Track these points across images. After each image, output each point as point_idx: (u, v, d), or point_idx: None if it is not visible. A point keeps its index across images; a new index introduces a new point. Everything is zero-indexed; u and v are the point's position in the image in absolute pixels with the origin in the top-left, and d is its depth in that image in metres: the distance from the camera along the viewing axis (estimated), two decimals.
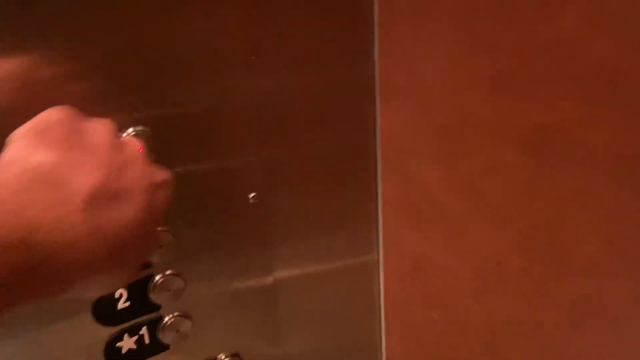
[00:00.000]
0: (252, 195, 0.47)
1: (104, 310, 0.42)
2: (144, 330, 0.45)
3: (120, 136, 0.35)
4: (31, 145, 0.29)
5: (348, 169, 0.52)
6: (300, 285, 0.54)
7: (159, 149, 0.39)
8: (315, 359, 0.59)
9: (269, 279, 0.52)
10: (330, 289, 0.57)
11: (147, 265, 0.43)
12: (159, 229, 0.40)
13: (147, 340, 0.45)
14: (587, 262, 0.35)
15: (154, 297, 0.44)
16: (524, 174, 0.37)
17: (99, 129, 0.32)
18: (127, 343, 0.44)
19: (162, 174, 0.34)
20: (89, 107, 0.35)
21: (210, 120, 0.43)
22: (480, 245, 0.42)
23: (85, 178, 0.29)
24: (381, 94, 0.46)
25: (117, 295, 0.42)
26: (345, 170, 0.52)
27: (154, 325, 0.45)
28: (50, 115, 0.31)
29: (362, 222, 0.55)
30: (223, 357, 0.50)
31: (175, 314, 0.46)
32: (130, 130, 0.39)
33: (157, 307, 0.45)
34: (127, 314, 0.43)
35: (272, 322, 0.54)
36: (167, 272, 0.44)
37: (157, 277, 0.44)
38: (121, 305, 0.43)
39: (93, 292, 0.35)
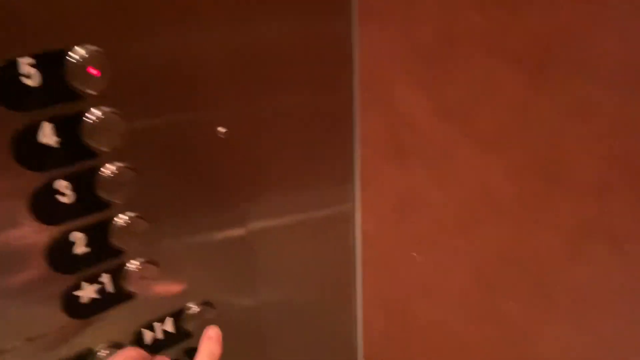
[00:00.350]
0: (222, 130, 0.43)
1: (59, 256, 0.38)
2: (105, 278, 0.40)
3: None
4: None
5: (323, 102, 0.48)
6: (273, 232, 0.51)
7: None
8: (291, 308, 0.56)
9: (242, 225, 0.48)
10: (306, 236, 0.54)
11: (106, 205, 0.39)
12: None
13: (109, 289, 0.41)
14: (587, 182, 0.32)
15: (116, 241, 0.40)
16: (518, 93, 0.34)
17: None
18: (87, 292, 0.40)
19: None
20: None
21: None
22: (468, 175, 0.39)
23: None
24: (359, 15, 0.42)
25: (72, 239, 0.38)
26: (319, 104, 0.48)
27: (117, 273, 0.41)
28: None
29: (339, 161, 0.52)
30: (193, 306, 0.47)
31: (141, 260, 0.42)
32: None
33: (119, 253, 0.41)
34: (85, 260, 0.39)
35: (245, 270, 0.50)
36: (130, 214, 0.40)
37: (118, 219, 0.40)
38: (79, 250, 0.38)
39: None
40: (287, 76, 0.46)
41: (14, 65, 0.32)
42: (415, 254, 0.49)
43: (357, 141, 0.50)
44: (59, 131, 0.35)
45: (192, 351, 0.46)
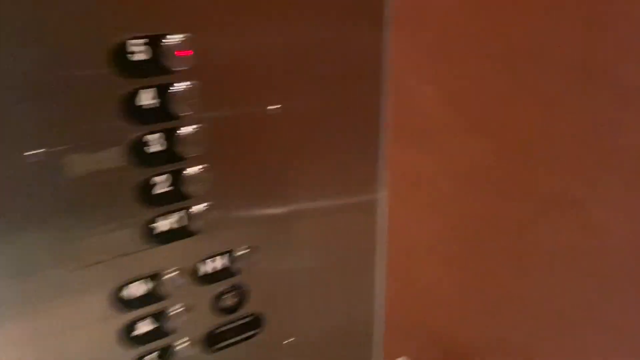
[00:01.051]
0: (272, 107, 0.54)
1: (144, 194, 0.49)
2: (176, 216, 0.52)
3: None
4: None
5: (355, 92, 0.59)
6: (311, 204, 0.61)
7: None
8: (317, 275, 0.66)
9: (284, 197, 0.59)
10: (337, 208, 0.64)
11: (182, 157, 0.50)
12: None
13: (178, 225, 0.52)
14: (554, 159, 0.42)
15: (188, 188, 0.51)
16: (502, 86, 0.43)
17: None
18: (162, 225, 0.51)
19: None
20: None
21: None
22: (464, 154, 0.48)
23: None
24: (393, 24, 0.52)
25: (155, 181, 0.49)
26: (352, 91, 0.59)
27: (186, 213, 0.52)
28: None
29: (368, 145, 0.62)
30: (242, 249, 0.58)
31: (205, 205, 0.53)
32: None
33: (189, 197, 0.52)
34: (163, 199, 0.50)
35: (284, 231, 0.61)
36: (200, 167, 0.51)
37: (191, 169, 0.51)
38: (159, 190, 0.50)
39: None
40: (327, 72, 0.56)
41: (124, 45, 0.44)
42: (427, 227, 0.59)
43: (383, 128, 0.61)
44: (153, 97, 0.47)
45: (235, 289, 0.57)
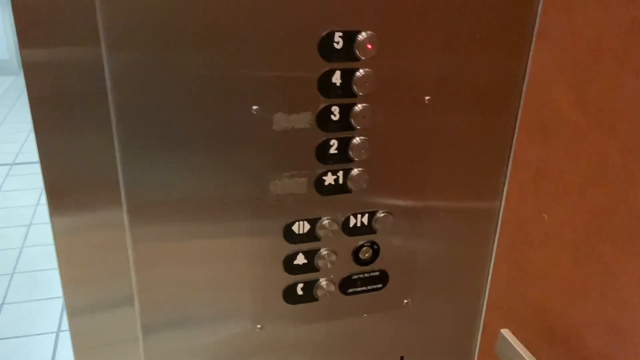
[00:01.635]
0: (427, 97, 0.66)
1: (321, 153, 0.64)
2: (340, 174, 0.66)
3: None
4: None
5: (496, 95, 0.69)
6: (438, 191, 0.73)
7: None
8: (435, 253, 0.77)
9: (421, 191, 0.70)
10: (461, 198, 0.75)
11: (352, 127, 0.63)
12: None
13: (339, 182, 0.66)
14: None
15: (351, 153, 0.65)
16: (636, 91, 0.52)
17: None
18: (328, 179, 0.65)
19: None
20: None
21: None
22: (592, 150, 0.57)
23: None
24: (537, 37, 0.63)
25: (330, 143, 0.63)
26: (493, 97, 0.69)
27: (346, 172, 0.66)
28: None
29: (500, 143, 0.73)
30: (382, 212, 0.70)
31: (361, 169, 0.66)
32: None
33: (352, 160, 0.65)
34: (333, 158, 0.64)
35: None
36: (363, 138, 0.65)
37: (356, 140, 0.64)
38: (332, 150, 0.64)
39: None
40: (474, 75, 0.68)
41: (332, 34, 0.58)
42: (545, 216, 0.68)
43: (517, 125, 0.71)
44: (341, 78, 0.61)
45: (371, 244, 0.69)
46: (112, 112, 0.55)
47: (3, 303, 2.49)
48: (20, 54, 0.51)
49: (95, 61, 0.53)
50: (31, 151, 4.26)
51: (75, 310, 0.62)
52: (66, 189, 0.57)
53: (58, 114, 0.54)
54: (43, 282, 2.66)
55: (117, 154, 0.57)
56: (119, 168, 0.57)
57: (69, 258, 0.60)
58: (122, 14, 0.52)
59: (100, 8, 0.51)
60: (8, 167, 3.99)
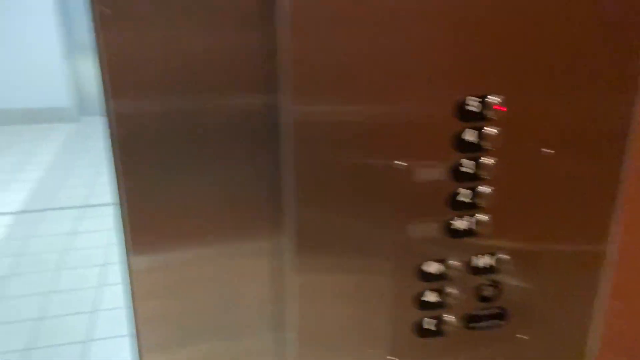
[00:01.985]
0: (547, 151, 0.73)
1: (452, 200, 0.71)
2: (468, 220, 0.73)
3: None
4: None
5: (604, 140, 0.75)
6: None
7: None
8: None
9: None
10: (568, 224, 0.80)
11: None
12: None
13: (468, 226, 0.73)
14: None
15: (479, 202, 0.72)
16: None
17: None
18: (457, 224, 0.73)
19: None
20: None
21: None
22: None
23: None
24: None
25: (456, 189, 0.71)
26: (602, 141, 0.75)
27: (470, 217, 0.73)
28: None
29: (607, 185, 0.78)
30: (503, 255, 0.76)
31: (488, 216, 0.73)
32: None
33: (479, 207, 0.72)
34: (462, 205, 0.72)
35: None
36: (492, 188, 0.72)
37: (483, 188, 0.72)
38: (461, 198, 0.71)
39: None
40: (582, 127, 0.73)
41: (464, 100, 0.67)
42: None
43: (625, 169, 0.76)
44: (472, 135, 0.68)
45: (493, 284, 0.76)
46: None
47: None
48: (111, 103, 0.60)
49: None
50: (100, 194, 4.52)
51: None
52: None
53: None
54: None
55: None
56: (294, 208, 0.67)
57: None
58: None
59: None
60: (83, 209, 4.29)
